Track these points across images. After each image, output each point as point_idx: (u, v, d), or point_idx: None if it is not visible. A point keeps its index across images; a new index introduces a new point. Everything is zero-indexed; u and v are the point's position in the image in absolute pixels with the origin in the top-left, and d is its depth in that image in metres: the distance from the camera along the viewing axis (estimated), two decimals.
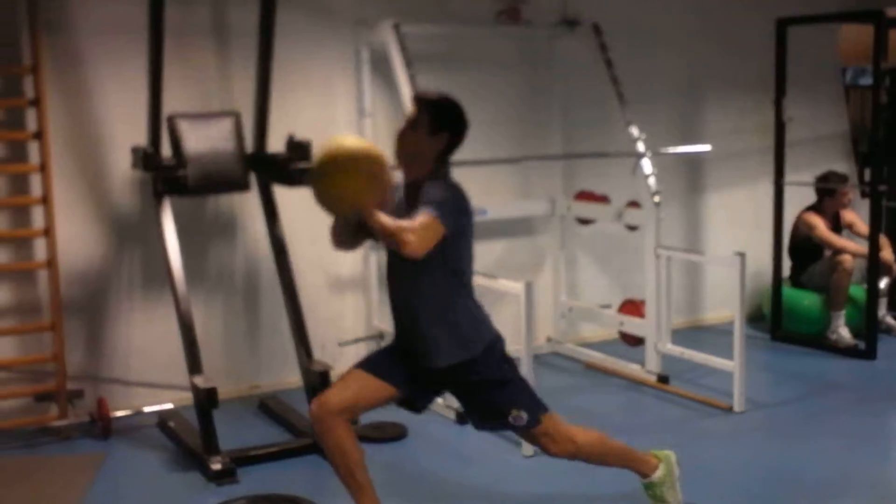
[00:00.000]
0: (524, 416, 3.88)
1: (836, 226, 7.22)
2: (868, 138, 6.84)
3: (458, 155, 5.57)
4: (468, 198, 3.76)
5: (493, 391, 3.86)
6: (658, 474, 4.18)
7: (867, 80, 8.18)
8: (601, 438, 4.13)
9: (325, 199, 3.50)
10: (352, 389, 3.83)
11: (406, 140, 3.78)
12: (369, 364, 3.92)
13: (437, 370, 3.82)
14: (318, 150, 3.54)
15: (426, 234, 3.52)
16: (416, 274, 3.67)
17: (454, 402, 5.43)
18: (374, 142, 6.06)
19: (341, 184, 3.46)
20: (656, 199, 6.05)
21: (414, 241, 3.47)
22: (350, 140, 3.57)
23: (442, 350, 3.79)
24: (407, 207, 3.71)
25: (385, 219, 3.50)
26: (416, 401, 4.00)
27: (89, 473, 4.82)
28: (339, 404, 3.78)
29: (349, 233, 3.78)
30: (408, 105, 5.62)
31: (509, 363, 3.93)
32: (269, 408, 5.67)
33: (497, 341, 3.89)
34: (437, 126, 3.75)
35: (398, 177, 3.83)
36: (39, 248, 5.38)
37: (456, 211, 3.67)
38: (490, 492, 4.58)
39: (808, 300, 7.11)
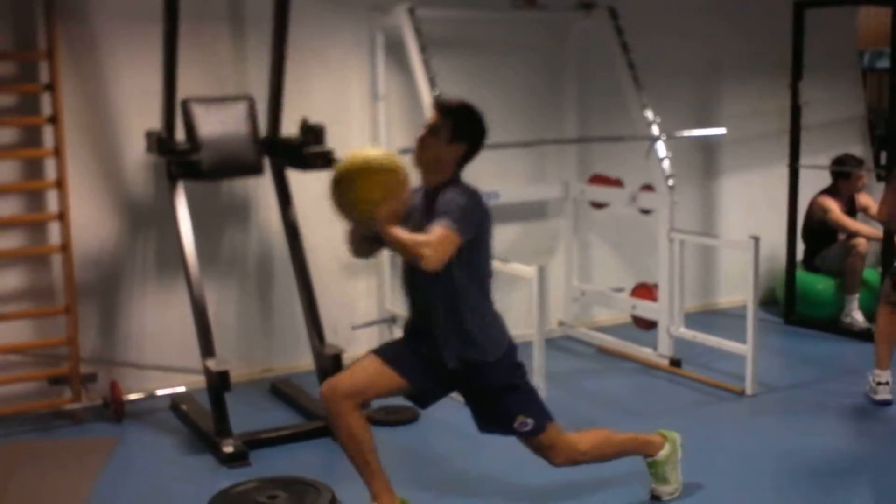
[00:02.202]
0: (530, 422, 3.89)
1: (851, 209, 7.19)
2: (885, 122, 6.80)
3: None
4: (485, 203, 3.77)
5: (502, 396, 3.88)
6: (663, 453, 4.22)
7: (885, 64, 8.13)
8: (605, 438, 4.16)
9: (340, 204, 3.58)
10: (364, 375, 3.85)
11: (426, 146, 3.81)
12: (385, 353, 3.94)
13: (448, 370, 3.84)
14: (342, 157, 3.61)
15: (443, 247, 3.55)
16: (432, 277, 3.66)
17: None
18: (387, 126, 6.12)
19: (356, 189, 3.54)
20: (670, 182, 6.04)
21: (431, 255, 3.51)
22: (371, 150, 3.71)
23: (454, 352, 3.81)
24: (425, 213, 3.74)
25: (400, 233, 3.54)
26: (424, 397, 4.03)
27: (102, 456, 4.86)
28: (349, 388, 3.79)
29: (365, 242, 3.84)
30: (423, 90, 5.62)
31: (520, 369, 3.94)
32: (281, 391, 5.70)
33: (510, 347, 3.90)
34: (456, 134, 3.77)
35: (416, 182, 3.84)
36: (54, 233, 5.41)
37: (473, 218, 3.68)
38: (501, 475, 4.59)
39: (821, 284, 7.09)
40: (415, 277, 3.82)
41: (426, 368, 3.88)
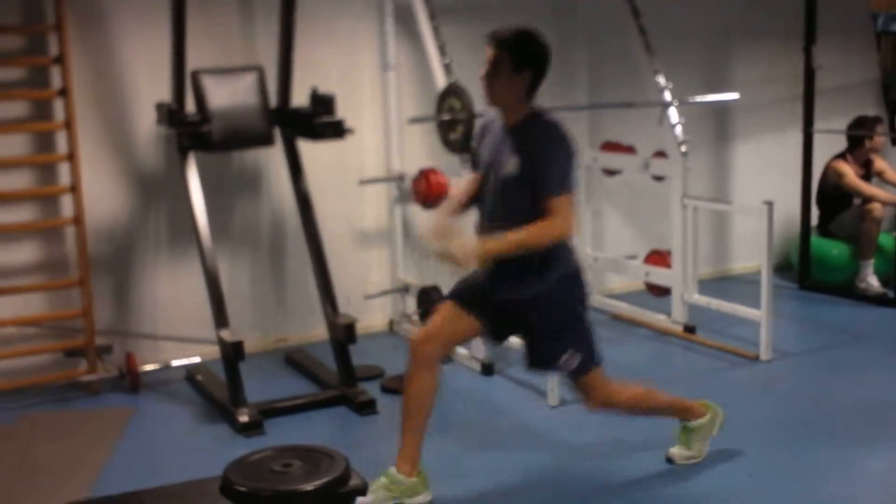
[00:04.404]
0: (578, 358, 3.83)
1: (867, 174, 7.15)
2: None
3: (483, 106, 5.56)
4: (570, 136, 3.73)
5: (561, 327, 3.83)
6: (701, 421, 4.22)
7: None
8: (644, 395, 4.13)
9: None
10: (447, 324, 3.91)
11: (491, 85, 3.73)
12: (460, 296, 3.96)
13: (517, 301, 3.82)
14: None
15: (566, 214, 3.63)
16: (512, 211, 3.69)
17: (480, 354, 5.46)
18: (396, 95, 6.09)
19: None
20: (683, 148, 6.01)
21: (561, 226, 3.64)
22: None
23: (526, 282, 3.77)
24: (510, 150, 3.71)
25: (525, 237, 3.62)
26: (497, 335, 4.07)
27: (119, 427, 4.88)
28: (435, 337, 3.88)
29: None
30: (433, 58, 5.59)
31: (583, 306, 3.89)
32: (295, 361, 5.72)
33: (582, 283, 3.88)
34: (519, 64, 3.68)
35: (493, 116, 3.86)
36: (66, 205, 5.42)
37: (571, 166, 3.69)
38: (517, 441, 4.61)
39: (836, 249, 7.06)
40: (493, 208, 3.80)
41: (497, 307, 3.87)
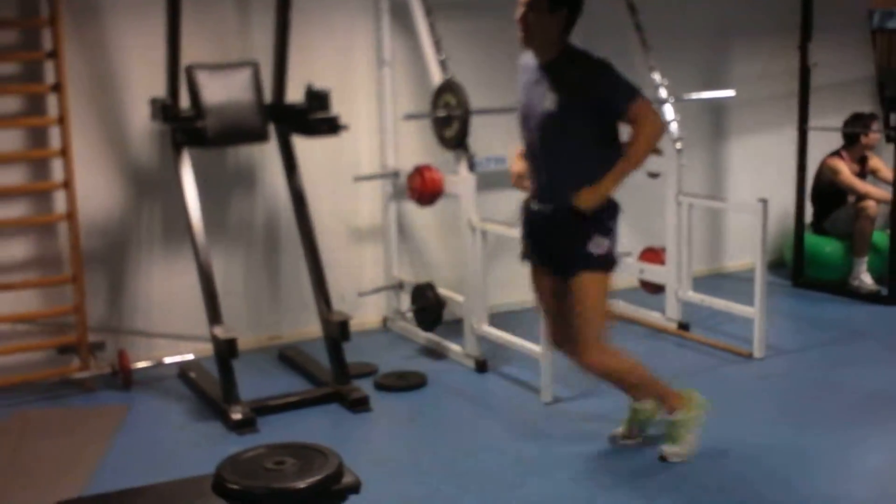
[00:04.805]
0: (605, 245, 3.99)
1: (862, 171, 7.15)
2: (894, 83, 6.74)
3: (479, 102, 5.57)
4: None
5: (595, 221, 4.00)
6: (681, 413, 4.24)
7: (895, 24, 8.06)
8: (632, 366, 4.26)
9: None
10: (552, 309, 4.26)
11: (527, 24, 3.88)
12: (532, 261, 4.24)
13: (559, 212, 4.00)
14: None
15: (652, 113, 3.85)
16: (554, 148, 3.92)
17: (474, 352, 5.45)
18: (392, 92, 6.08)
19: None
20: (678, 145, 6.01)
21: (653, 125, 3.85)
22: None
23: (564, 198, 3.96)
24: (547, 87, 3.87)
25: (630, 159, 3.90)
26: (560, 267, 4.15)
27: (112, 424, 4.87)
28: (561, 331, 4.25)
29: None
30: (428, 54, 5.59)
31: (613, 218, 4.09)
32: (288, 358, 5.70)
33: (616, 212, 4.10)
34: (554, 4, 3.84)
35: (527, 59, 4.01)
36: (59, 201, 5.40)
37: (621, 75, 3.87)
38: (510, 437, 4.60)
39: (830, 247, 7.07)
40: (537, 147, 4.00)
41: (546, 242, 4.11)
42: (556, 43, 3.90)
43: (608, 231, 4.03)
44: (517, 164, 4.24)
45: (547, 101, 3.87)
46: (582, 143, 3.92)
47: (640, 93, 3.87)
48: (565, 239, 4.04)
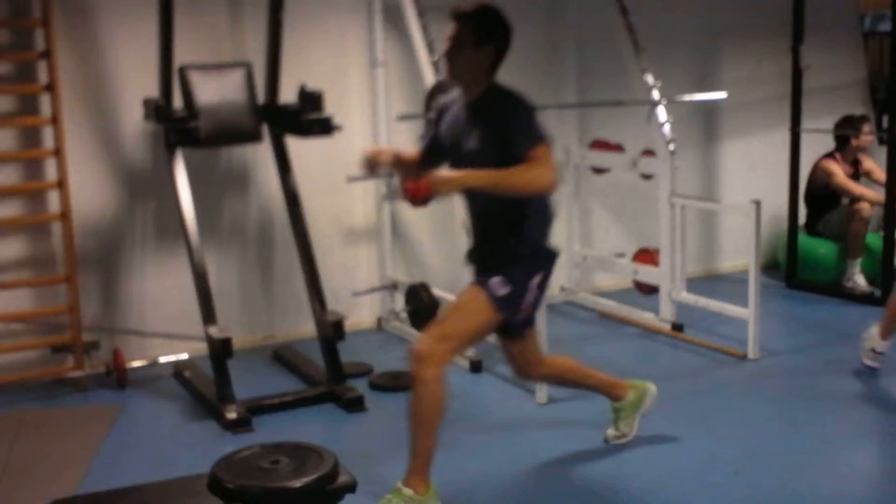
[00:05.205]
0: (504, 291, 3.77)
1: (856, 173, 7.17)
2: (886, 85, 6.76)
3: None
4: (527, 96, 3.77)
5: (512, 265, 3.82)
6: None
7: (886, 27, 8.09)
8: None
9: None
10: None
11: (454, 60, 3.75)
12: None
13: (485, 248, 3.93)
14: None
15: (548, 162, 3.56)
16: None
17: (469, 352, 5.45)
18: (385, 92, 6.08)
19: None
20: (671, 147, 6.02)
21: (542, 174, 3.54)
22: None
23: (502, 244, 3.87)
24: (470, 125, 3.74)
25: (505, 176, 3.55)
26: None
27: (106, 423, 4.86)
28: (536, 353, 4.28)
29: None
30: (421, 55, 5.58)
31: (541, 263, 3.89)
32: (283, 357, 5.70)
33: (550, 261, 3.91)
34: (480, 37, 3.71)
35: (454, 96, 3.92)
36: (53, 201, 5.39)
37: (535, 119, 3.67)
38: (504, 438, 4.60)
39: (823, 248, 7.08)
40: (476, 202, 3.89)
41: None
42: (482, 79, 3.76)
43: (517, 282, 3.80)
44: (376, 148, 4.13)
45: (471, 139, 3.73)
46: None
47: (546, 143, 3.61)
48: (485, 270, 3.90)
